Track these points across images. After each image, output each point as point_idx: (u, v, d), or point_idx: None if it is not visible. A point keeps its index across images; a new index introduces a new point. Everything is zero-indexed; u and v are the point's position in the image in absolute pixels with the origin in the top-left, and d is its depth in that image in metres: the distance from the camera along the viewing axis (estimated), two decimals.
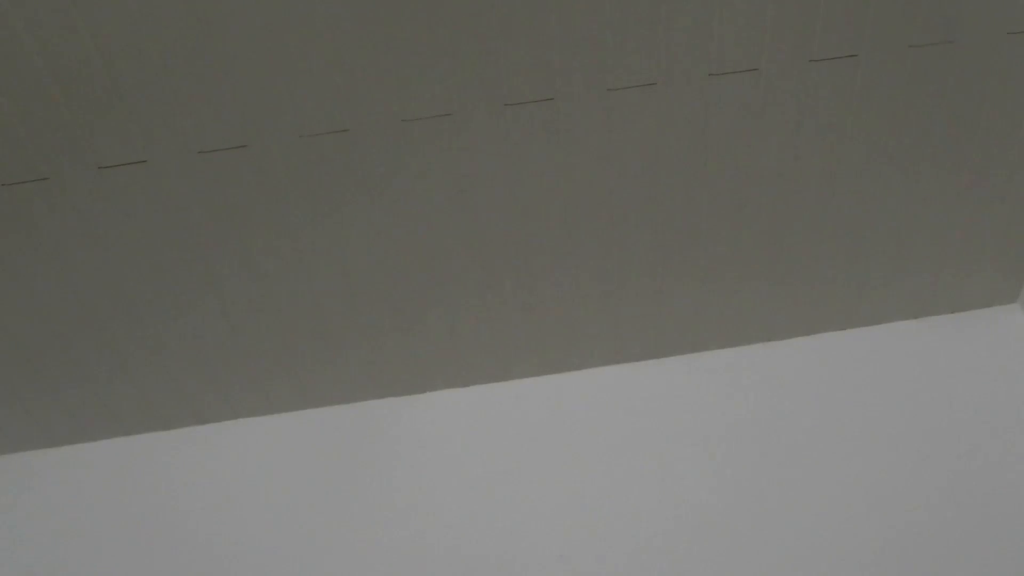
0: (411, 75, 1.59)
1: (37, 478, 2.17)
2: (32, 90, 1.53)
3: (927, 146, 1.83)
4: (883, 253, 2.03)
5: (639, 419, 2.09)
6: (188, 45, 1.51)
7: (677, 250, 1.94)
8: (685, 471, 1.99)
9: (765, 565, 1.82)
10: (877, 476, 1.93)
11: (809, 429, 2.02)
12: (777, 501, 1.91)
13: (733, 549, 1.85)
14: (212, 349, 2.00)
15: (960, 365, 2.10)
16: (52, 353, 1.96)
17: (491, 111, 1.66)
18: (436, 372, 2.14)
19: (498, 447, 2.09)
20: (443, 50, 1.57)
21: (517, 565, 1.88)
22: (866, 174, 1.86)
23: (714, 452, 2.01)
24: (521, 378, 2.20)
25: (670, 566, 1.84)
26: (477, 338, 2.07)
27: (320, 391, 2.16)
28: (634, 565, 1.86)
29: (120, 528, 2.05)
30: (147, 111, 1.59)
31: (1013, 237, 2.05)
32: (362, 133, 1.66)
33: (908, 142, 1.82)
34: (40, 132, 1.59)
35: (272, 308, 1.94)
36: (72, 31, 1.47)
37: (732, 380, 2.13)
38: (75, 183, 1.66)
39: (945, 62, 1.70)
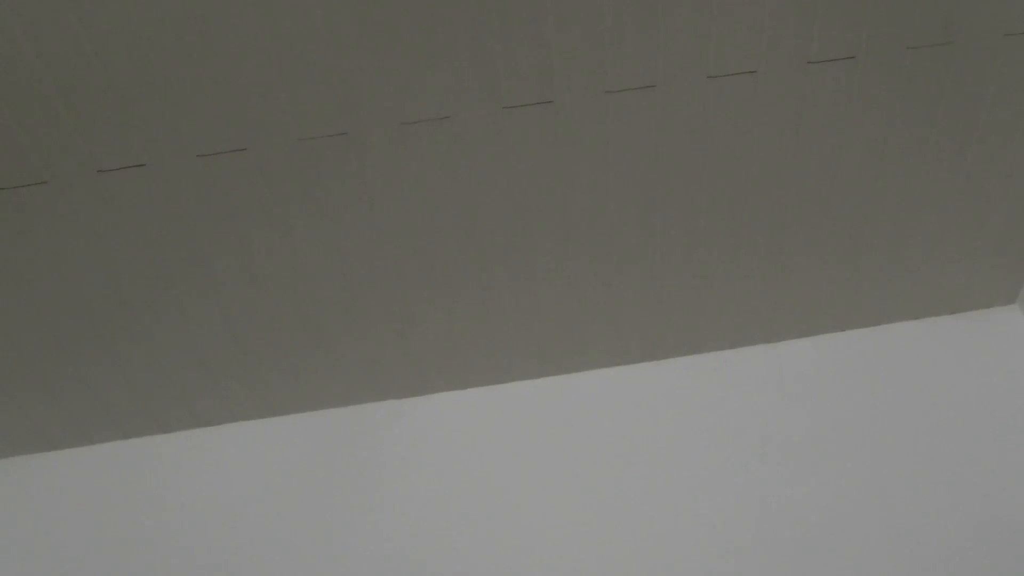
0: (410, 78, 1.60)
1: (36, 481, 2.17)
2: (31, 94, 1.53)
3: (926, 147, 1.83)
4: (882, 253, 2.03)
5: (639, 420, 2.10)
6: (187, 48, 1.51)
7: (677, 251, 1.95)
8: (685, 472, 1.99)
9: (766, 566, 1.82)
10: (877, 477, 1.93)
11: (809, 430, 2.03)
12: (778, 502, 1.92)
13: (734, 550, 1.86)
14: (210, 351, 2.00)
15: (960, 366, 2.10)
16: (50, 356, 1.96)
17: (490, 113, 1.66)
18: (434, 374, 2.15)
19: (497, 449, 2.09)
20: (442, 53, 1.57)
21: (517, 567, 1.89)
22: (865, 175, 1.87)
23: (714, 453, 2.01)
24: (520, 380, 2.20)
25: (670, 567, 1.85)
26: (476, 340, 2.07)
27: (318, 393, 2.16)
28: (634, 567, 1.86)
29: (118, 531, 2.05)
30: (146, 114, 1.59)
31: (1012, 237, 2.05)
32: (361, 136, 1.67)
33: (907, 143, 1.82)
34: (39, 135, 1.59)
35: (270, 311, 1.94)
36: (71, 34, 1.47)
37: (732, 381, 2.14)
38: (75, 186, 1.67)
39: (943, 63, 1.70)
